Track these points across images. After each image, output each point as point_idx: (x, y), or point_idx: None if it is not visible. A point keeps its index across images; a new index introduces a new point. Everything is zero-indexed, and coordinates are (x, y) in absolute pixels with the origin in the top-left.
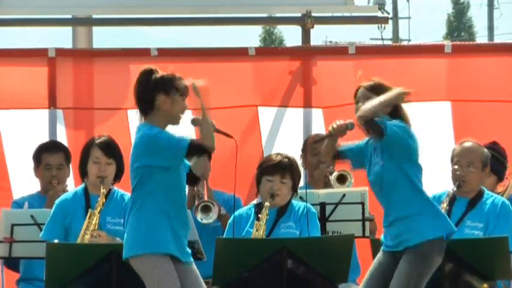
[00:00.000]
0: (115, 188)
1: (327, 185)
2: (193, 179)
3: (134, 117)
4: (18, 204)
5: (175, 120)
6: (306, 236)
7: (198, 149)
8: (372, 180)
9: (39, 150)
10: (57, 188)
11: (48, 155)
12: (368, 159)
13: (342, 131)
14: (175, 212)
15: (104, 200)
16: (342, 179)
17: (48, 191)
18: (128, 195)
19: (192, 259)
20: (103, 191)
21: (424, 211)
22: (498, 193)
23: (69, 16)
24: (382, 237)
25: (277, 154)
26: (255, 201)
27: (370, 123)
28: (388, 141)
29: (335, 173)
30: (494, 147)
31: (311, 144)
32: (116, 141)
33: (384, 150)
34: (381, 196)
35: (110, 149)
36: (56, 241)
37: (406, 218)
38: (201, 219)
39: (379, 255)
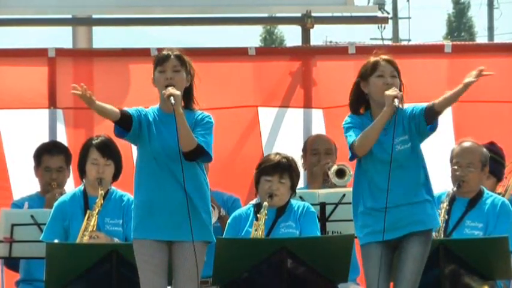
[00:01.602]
0: (113, 188)
1: (326, 182)
2: (185, 156)
3: None
4: (18, 206)
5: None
6: (306, 236)
7: None
8: (390, 158)
9: (39, 150)
10: (54, 190)
11: (48, 157)
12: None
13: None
14: (146, 189)
15: (102, 201)
16: (340, 173)
17: (47, 193)
18: (126, 195)
19: (197, 236)
20: (101, 192)
21: (433, 200)
22: (498, 193)
23: (69, 16)
24: (362, 229)
25: (276, 154)
26: (253, 201)
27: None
28: (426, 136)
29: (334, 167)
30: (491, 147)
31: (311, 145)
32: (113, 141)
33: (412, 133)
34: (395, 175)
35: (108, 149)
36: (56, 241)
37: (422, 202)
38: None
39: (372, 251)
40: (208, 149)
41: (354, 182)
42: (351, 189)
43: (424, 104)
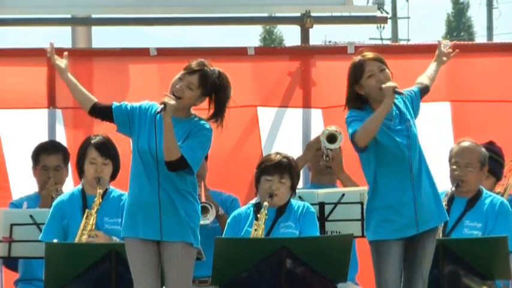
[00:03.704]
0: (112, 187)
1: (322, 169)
2: (166, 165)
3: None
4: (16, 206)
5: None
6: (305, 235)
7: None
8: (410, 144)
9: (37, 150)
10: (49, 187)
11: (45, 156)
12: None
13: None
14: (136, 188)
15: (101, 200)
16: (331, 139)
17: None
18: (125, 194)
19: (176, 237)
20: (99, 191)
21: None
22: (497, 193)
23: (69, 16)
24: (382, 225)
25: (277, 154)
26: (253, 201)
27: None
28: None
29: (325, 132)
30: (490, 147)
31: (314, 144)
32: (112, 141)
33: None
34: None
35: (106, 149)
36: (55, 241)
37: (435, 194)
38: None
39: (393, 248)
40: (192, 162)
41: (372, 177)
42: (350, 189)
43: (414, 87)
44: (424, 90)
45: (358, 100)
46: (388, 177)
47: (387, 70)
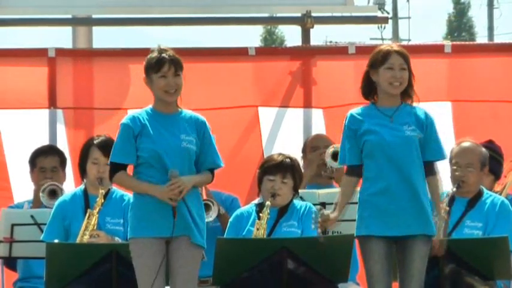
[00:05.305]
0: (114, 188)
1: (324, 171)
2: None
3: None
4: (16, 208)
5: (163, 99)
6: (306, 236)
7: None
8: (400, 144)
9: (34, 154)
10: (39, 186)
11: (42, 158)
12: (366, 125)
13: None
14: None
15: (103, 200)
16: (336, 156)
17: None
18: (127, 195)
19: (183, 231)
20: (101, 191)
21: None
22: (496, 192)
23: (69, 16)
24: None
25: (279, 154)
26: (256, 201)
27: None
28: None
29: (331, 150)
30: (490, 146)
31: (311, 142)
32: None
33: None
34: (404, 162)
35: (109, 149)
36: (56, 241)
37: (427, 205)
38: None
39: (375, 247)
40: (221, 162)
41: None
42: None
43: (432, 153)
44: (430, 166)
45: (372, 87)
46: (372, 172)
47: (407, 71)
